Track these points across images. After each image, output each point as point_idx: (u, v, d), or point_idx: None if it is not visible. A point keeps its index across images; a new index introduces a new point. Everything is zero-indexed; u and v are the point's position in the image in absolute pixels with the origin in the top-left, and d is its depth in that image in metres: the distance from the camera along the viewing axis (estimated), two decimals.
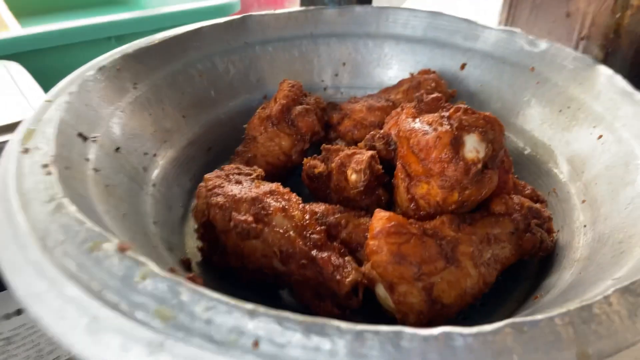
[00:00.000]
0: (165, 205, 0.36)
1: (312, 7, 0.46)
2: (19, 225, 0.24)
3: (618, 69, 0.47)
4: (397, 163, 0.33)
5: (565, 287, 0.28)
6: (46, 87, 0.50)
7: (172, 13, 0.67)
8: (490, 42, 0.43)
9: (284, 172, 0.40)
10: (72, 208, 0.23)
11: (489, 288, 0.30)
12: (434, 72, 0.43)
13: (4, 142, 0.41)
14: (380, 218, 0.29)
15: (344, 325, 0.18)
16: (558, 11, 0.56)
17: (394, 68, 0.47)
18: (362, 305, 0.30)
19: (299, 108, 0.39)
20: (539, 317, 0.19)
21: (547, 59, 0.40)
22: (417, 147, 0.30)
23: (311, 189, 0.38)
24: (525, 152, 0.41)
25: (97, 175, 0.30)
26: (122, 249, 0.21)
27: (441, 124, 0.30)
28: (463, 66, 0.45)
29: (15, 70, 0.54)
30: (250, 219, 0.29)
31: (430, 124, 0.30)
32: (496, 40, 0.43)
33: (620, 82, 0.35)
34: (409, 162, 0.31)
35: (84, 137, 0.31)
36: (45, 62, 0.61)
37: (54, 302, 0.21)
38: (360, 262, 0.32)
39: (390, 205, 0.36)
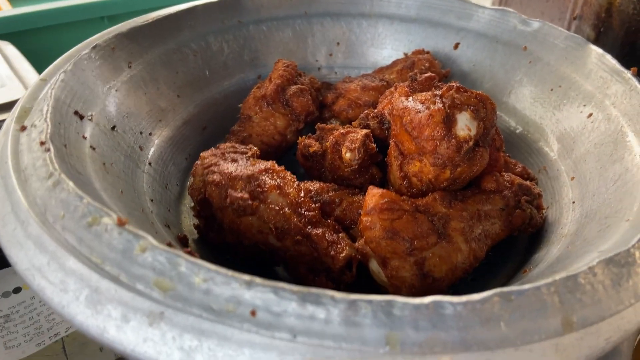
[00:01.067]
0: (161, 184, 0.36)
1: None
2: (18, 201, 0.24)
3: (609, 48, 0.47)
4: (391, 141, 0.33)
5: (553, 260, 0.28)
6: (39, 67, 0.50)
7: None
8: (484, 21, 0.44)
9: (279, 151, 0.41)
10: (70, 183, 0.23)
11: (479, 262, 0.30)
12: (427, 52, 0.44)
13: (1, 121, 0.41)
14: (374, 195, 0.29)
15: (338, 294, 0.19)
16: None
17: (387, 48, 0.47)
18: (356, 280, 0.31)
19: (293, 88, 0.40)
20: (526, 286, 0.20)
21: (539, 38, 0.41)
22: (409, 125, 0.30)
23: (306, 167, 0.38)
24: (517, 131, 0.41)
25: (94, 153, 0.30)
26: (121, 223, 0.22)
27: (434, 102, 0.30)
28: (456, 45, 0.45)
29: (7, 50, 0.54)
30: (246, 196, 0.30)
31: (423, 102, 0.31)
32: (489, 20, 0.43)
33: (611, 61, 0.36)
34: (402, 140, 0.32)
35: (80, 116, 0.31)
36: (37, 41, 0.61)
37: (55, 276, 0.22)
38: (354, 239, 0.32)
39: (383, 183, 0.36)
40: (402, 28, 0.46)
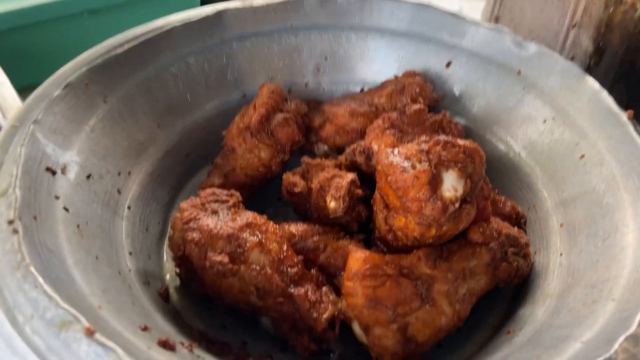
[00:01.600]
0: (141, 228, 0.35)
1: None
2: None
3: (608, 65, 0.45)
4: (376, 191, 0.32)
5: (538, 327, 0.28)
6: (13, 71, 0.47)
7: None
8: (477, 40, 0.41)
9: (263, 182, 0.39)
10: (39, 279, 0.22)
11: (463, 322, 0.30)
12: (419, 74, 0.42)
13: None
14: (357, 260, 0.29)
15: None
16: None
17: (377, 63, 0.45)
18: (344, 338, 0.31)
19: (279, 117, 0.38)
20: None
21: (534, 63, 0.39)
22: (394, 184, 0.29)
23: (291, 202, 0.37)
24: (509, 156, 0.40)
25: (67, 216, 0.29)
26: (90, 332, 0.21)
27: (419, 160, 0.29)
28: (448, 64, 0.43)
29: None
30: (225, 260, 0.29)
31: (408, 159, 0.29)
32: (483, 39, 0.41)
33: (606, 99, 0.34)
34: (387, 194, 0.31)
35: (52, 172, 0.30)
36: (11, 43, 0.58)
37: None
38: (338, 289, 0.32)
39: (369, 220, 0.35)
40: (392, 43, 0.44)
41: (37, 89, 0.35)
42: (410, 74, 0.42)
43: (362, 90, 0.45)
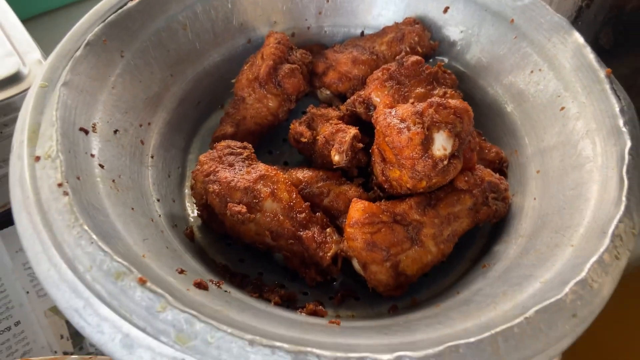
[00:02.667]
0: (164, 175, 0.39)
1: None
2: (48, 245, 0.28)
3: (599, 7, 0.47)
4: (374, 145, 0.36)
5: (509, 264, 0.33)
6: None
7: None
8: None
9: (272, 129, 0.43)
10: (93, 236, 0.27)
11: (446, 257, 0.35)
12: (417, 22, 0.43)
13: (6, 100, 0.42)
14: (357, 209, 0.33)
15: (323, 352, 0.24)
16: None
17: (377, 6, 0.46)
18: (345, 271, 0.36)
19: (285, 68, 0.41)
20: (471, 339, 0.24)
21: (527, 14, 0.41)
22: (391, 144, 0.33)
23: (298, 148, 0.41)
24: (498, 102, 0.43)
25: (103, 172, 0.33)
26: (142, 282, 0.26)
27: (414, 122, 0.32)
28: (446, 9, 0.44)
29: None
30: (243, 209, 0.33)
31: (404, 120, 0.33)
32: None
33: (589, 55, 0.37)
34: (384, 150, 0.34)
35: (85, 131, 0.33)
36: None
37: (91, 319, 0.26)
38: (340, 229, 0.37)
39: (368, 165, 0.39)
40: None
41: (58, 47, 0.37)
42: (409, 22, 0.44)
43: (362, 33, 0.47)
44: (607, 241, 0.28)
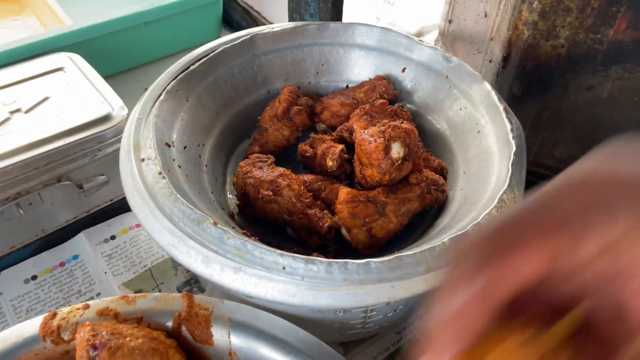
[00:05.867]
0: (213, 178, 0.56)
1: (299, 24, 0.63)
2: (153, 208, 0.44)
3: (511, 67, 0.66)
4: (355, 154, 0.53)
5: (442, 227, 0.50)
6: (98, 65, 0.67)
7: None
8: (422, 54, 0.61)
9: (286, 150, 0.60)
10: (183, 200, 0.44)
11: (404, 226, 0.52)
12: (384, 78, 0.62)
13: (99, 134, 0.60)
14: (344, 193, 0.50)
15: (323, 259, 0.40)
16: (479, 9, 0.73)
17: (357, 68, 0.65)
18: (336, 239, 0.52)
19: (295, 109, 0.59)
20: (409, 252, 0.41)
21: (456, 71, 0.59)
22: (365, 151, 0.50)
23: (303, 162, 0.58)
24: (441, 131, 0.61)
25: (180, 170, 0.50)
26: (215, 224, 0.42)
27: (379, 136, 0.50)
28: (404, 70, 0.63)
29: (78, 61, 0.70)
30: (270, 193, 0.50)
31: (373, 136, 0.50)
32: (426, 54, 0.61)
33: (493, 96, 0.55)
34: (360, 156, 0.52)
35: (168, 145, 0.51)
36: (94, 48, 0.77)
37: (183, 249, 0.42)
38: (332, 212, 0.53)
39: (352, 172, 0.57)
40: (366, 54, 0.64)
41: (146, 93, 0.55)
42: (379, 78, 0.62)
43: (347, 86, 0.65)
44: (494, 203, 0.45)
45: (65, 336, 0.44)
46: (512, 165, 0.48)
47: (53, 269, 0.62)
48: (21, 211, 0.58)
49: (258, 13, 0.90)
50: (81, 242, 0.64)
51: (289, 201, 0.51)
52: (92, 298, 0.61)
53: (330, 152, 0.54)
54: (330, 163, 0.54)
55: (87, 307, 0.45)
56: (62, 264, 0.63)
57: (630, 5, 0.52)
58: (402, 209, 0.51)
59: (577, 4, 0.55)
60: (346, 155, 0.55)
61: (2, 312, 0.58)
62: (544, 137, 0.67)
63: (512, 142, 0.50)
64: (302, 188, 0.52)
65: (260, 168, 0.53)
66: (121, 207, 0.67)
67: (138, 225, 0.67)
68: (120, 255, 0.64)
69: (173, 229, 0.43)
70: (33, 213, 0.60)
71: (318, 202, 0.53)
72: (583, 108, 0.62)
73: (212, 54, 0.59)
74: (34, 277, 0.61)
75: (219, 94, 0.59)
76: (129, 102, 0.63)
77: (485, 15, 0.70)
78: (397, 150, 0.49)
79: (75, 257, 0.63)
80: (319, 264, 0.40)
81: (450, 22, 0.86)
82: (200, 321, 0.46)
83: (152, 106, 0.52)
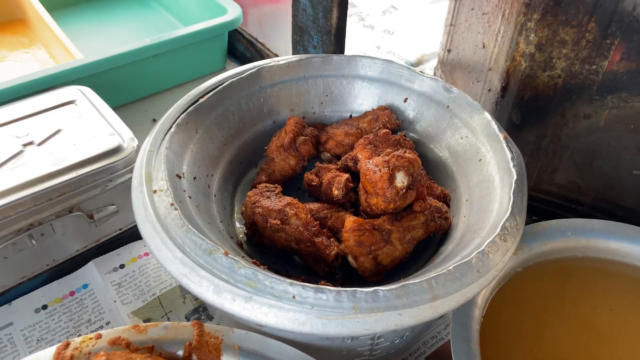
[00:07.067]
0: (222, 207, 0.57)
1: (304, 57, 0.65)
2: (166, 239, 0.45)
3: (509, 97, 0.68)
4: (360, 183, 0.54)
5: (447, 254, 0.51)
6: (107, 96, 0.69)
7: (198, 31, 0.84)
8: (423, 85, 0.63)
9: (292, 179, 0.61)
10: (195, 231, 0.45)
11: (409, 254, 0.53)
12: (387, 108, 0.64)
13: (110, 165, 0.61)
14: (350, 221, 0.51)
15: (332, 288, 0.41)
16: (477, 40, 0.75)
17: (360, 98, 0.66)
18: (343, 266, 0.53)
19: (300, 139, 0.60)
20: (416, 280, 0.42)
21: (456, 101, 0.61)
22: (370, 180, 0.51)
23: (309, 191, 0.60)
24: (443, 159, 0.62)
25: (191, 200, 0.51)
26: (226, 254, 0.43)
27: (383, 166, 0.51)
28: (405, 100, 0.65)
29: (88, 93, 0.72)
30: (278, 222, 0.51)
31: (377, 165, 0.52)
32: (427, 85, 0.63)
33: (493, 126, 0.56)
34: (365, 185, 0.53)
35: (179, 176, 0.52)
36: (104, 80, 0.79)
37: (194, 278, 0.43)
38: (338, 239, 0.54)
39: (357, 200, 0.58)
40: (369, 85, 0.66)
41: (157, 125, 0.56)
42: (381, 108, 0.64)
43: (350, 116, 0.67)
44: (497, 230, 0.46)
45: None
46: (513, 193, 0.49)
47: (63, 298, 0.63)
48: (34, 242, 0.59)
49: (262, 45, 0.92)
50: (91, 271, 0.65)
51: (296, 230, 0.52)
52: (102, 327, 0.61)
53: (336, 181, 0.55)
54: (336, 192, 0.55)
55: (99, 336, 0.46)
56: (72, 293, 0.63)
57: (624, 38, 0.54)
58: (407, 236, 0.52)
59: (572, 36, 0.57)
60: (351, 184, 0.56)
61: (13, 342, 0.59)
62: (543, 163, 0.68)
63: (513, 170, 0.52)
64: (309, 217, 0.53)
65: (268, 197, 0.54)
66: (130, 236, 0.68)
67: (147, 254, 0.68)
68: (129, 283, 0.65)
69: (185, 259, 0.44)
70: (45, 243, 0.61)
71: (325, 230, 0.54)
72: (581, 135, 0.64)
73: (219, 87, 0.60)
74: (45, 307, 0.62)
75: (226, 125, 0.61)
76: (137, 132, 0.64)
77: (484, 46, 0.73)
78: (401, 180, 0.51)
79: (85, 286, 0.64)
80: (328, 293, 0.41)
81: (449, 51, 0.88)
82: (210, 349, 0.46)
83: (163, 139, 0.54)
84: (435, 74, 0.94)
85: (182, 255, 0.44)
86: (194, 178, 0.54)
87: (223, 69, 0.94)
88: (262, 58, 0.90)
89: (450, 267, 0.43)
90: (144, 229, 0.47)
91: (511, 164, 0.52)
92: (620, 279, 0.52)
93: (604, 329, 0.49)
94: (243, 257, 0.47)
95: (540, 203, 0.72)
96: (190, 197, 0.51)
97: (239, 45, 0.97)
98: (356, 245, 0.50)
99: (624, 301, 0.50)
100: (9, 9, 1.02)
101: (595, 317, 0.49)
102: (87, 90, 0.71)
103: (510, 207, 0.48)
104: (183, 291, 0.64)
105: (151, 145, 0.53)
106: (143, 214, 0.48)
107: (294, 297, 0.41)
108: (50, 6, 0.95)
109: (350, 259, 0.51)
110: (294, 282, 0.41)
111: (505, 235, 0.46)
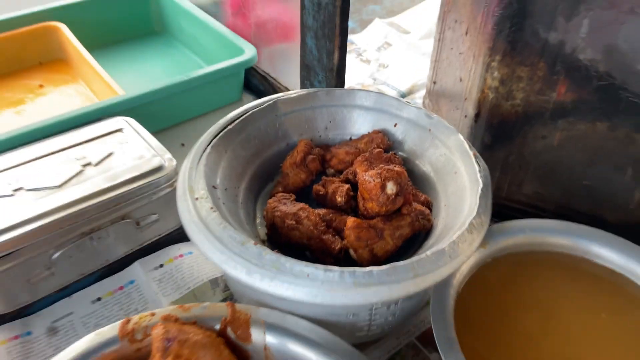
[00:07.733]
0: (247, 213, 0.70)
1: (312, 90, 0.79)
2: (208, 235, 0.58)
3: (482, 122, 0.81)
4: (358, 192, 0.67)
5: (427, 247, 0.63)
6: (146, 124, 0.82)
7: (219, 69, 0.98)
8: (410, 113, 0.76)
9: (303, 190, 0.74)
10: (231, 228, 0.57)
11: (399, 247, 0.65)
12: (380, 132, 0.77)
13: (154, 180, 0.74)
14: (351, 221, 0.64)
15: (336, 268, 0.53)
16: (456, 75, 0.89)
17: (358, 124, 0.79)
18: (345, 258, 0.66)
19: (310, 157, 0.73)
20: (401, 262, 0.54)
21: (436, 125, 0.74)
22: (366, 188, 0.64)
23: (317, 199, 0.72)
24: (427, 174, 0.75)
25: (224, 206, 0.64)
26: (255, 244, 0.56)
27: (376, 177, 0.64)
28: (395, 125, 0.78)
29: (132, 123, 0.86)
30: (293, 222, 0.64)
31: (372, 177, 0.65)
32: (413, 113, 0.76)
33: (465, 145, 0.69)
34: (362, 192, 0.66)
35: (214, 187, 0.65)
36: (143, 111, 0.93)
37: (231, 264, 0.55)
38: (342, 237, 0.67)
39: (357, 206, 0.70)
40: (365, 113, 0.79)
41: (194, 147, 0.69)
42: (375, 132, 0.77)
43: (350, 138, 0.80)
44: (466, 226, 0.59)
45: (138, 337, 0.57)
46: (479, 197, 0.62)
47: (114, 292, 0.75)
48: (94, 244, 0.71)
49: (274, 79, 1.06)
50: (136, 269, 0.78)
51: (308, 229, 0.64)
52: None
53: (339, 191, 0.68)
54: (339, 199, 0.68)
55: (153, 314, 0.58)
56: (121, 288, 0.76)
57: (567, 75, 0.68)
58: (397, 233, 0.65)
59: (527, 73, 0.70)
60: (351, 193, 0.69)
61: (74, 327, 0.71)
62: (512, 177, 0.81)
63: (480, 180, 0.64)
64: (317, 219, 0.66)
65: (285, 204, 0.67)
66: (167, 240, 0.81)
67: (181, 255, 0.80)
68: (168, 279, 0.77)
69: (223, 249, 0.56)
70: (100, 246, 0.73)
71: (330, 229, 0.66)
72: (540, 153, 0.77)
73: (243, 116, 0.74)
74: (99, 299, 0.74)
75: (249, 146, 0.74)
76: (171, 154, 0.78)
77: (460, 80, 0.86)
78: (391, 188, 0.63)
79: (132, 282, 0.76)
80: (334, 272, 0.53)
81: (434, 83, 1.03)
82: (241, 323, 0.59)
83: (200, 157, 0.67)
84: (423, 102, 1.08)
85: (221, 246, 0.57)
86: (225, 189, 0.67)
87: (240, 100, 1.08)
88: (275, 91, 1.04)
89: (429, 253, 0.56)
90: (189, 229, 0.60)
91: (478, 175, 0.65)
92: (564, 266, 0.65)
93: (553, 306, 0.61)
94: (270, 247, 0.60)
95: (512, 211, 0.85)
96: (223, 204, 0.64)
97: (253, 80, 1.11)
98: (356, 240, 0.63)
99: (569, 284, 0.63)
100: (52, 50, 1.17)
101: (544, 297, 0.61)
102: (131, 120, 0.85)
103: (477, 208, 0.61)
104: (213, 285, 0.76)
105: (191, 163, 0.67)
106: (188, 217, 0.60)
107: (308, 275, 0.53)
108: (89, 46, 1.10)
109: (351, 251, 0.64)
110: (309, 264, 0.54)
111: (472, 230, 0.59)
